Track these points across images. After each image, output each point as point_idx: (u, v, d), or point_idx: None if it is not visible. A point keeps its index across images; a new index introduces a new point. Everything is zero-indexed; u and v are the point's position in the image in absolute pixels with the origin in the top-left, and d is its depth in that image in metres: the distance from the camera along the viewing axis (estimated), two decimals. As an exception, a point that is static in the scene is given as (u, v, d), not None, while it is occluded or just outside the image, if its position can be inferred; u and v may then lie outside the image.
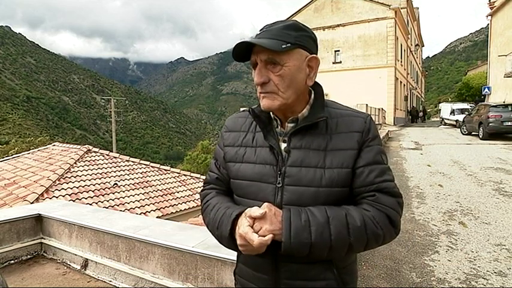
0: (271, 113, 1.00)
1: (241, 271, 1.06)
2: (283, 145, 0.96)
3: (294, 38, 0.89)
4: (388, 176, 0.93)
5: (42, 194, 7.62)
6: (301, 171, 0.91)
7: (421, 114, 33.37)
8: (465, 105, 22.12)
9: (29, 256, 3.21)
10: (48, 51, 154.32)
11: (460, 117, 18.17)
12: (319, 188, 0.89)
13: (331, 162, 0.90)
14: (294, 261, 0.92)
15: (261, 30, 0.92)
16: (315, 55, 0.94)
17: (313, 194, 0.89)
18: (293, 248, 0.82)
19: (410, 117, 31.48)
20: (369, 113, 10.85)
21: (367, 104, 15.46)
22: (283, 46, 0.86)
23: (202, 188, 1.14)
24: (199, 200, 10.98)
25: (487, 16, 21.17)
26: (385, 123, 22.94)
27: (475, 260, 3.30)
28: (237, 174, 1.00)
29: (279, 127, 0.99)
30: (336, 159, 0.90)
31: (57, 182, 8.41)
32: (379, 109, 20.32)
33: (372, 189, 0.90)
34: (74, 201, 7.52)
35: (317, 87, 1.00)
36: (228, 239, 0.91)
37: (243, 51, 0.92)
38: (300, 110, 0.96)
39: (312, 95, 0.99)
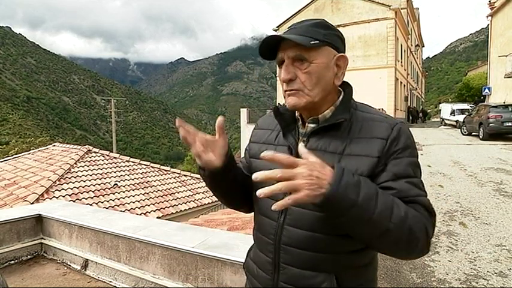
0: (296, 112, 0.99)
1: (248, 266, 1.06)
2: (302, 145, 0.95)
3: (322, 35, 0.88)
4: (422, 190, 0.86)
5: (42, 195, 7.63)
6: None
7: (420, 114, 33.37)
8: (465, 106, 22.08)
9: (29, 256, 3.21)
10: (49, 51, 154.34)
11: (460, 118, 18.14)
12: None
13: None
14: (295, 266, 0.89)
15: (288, 28, 0.91)
16: (343, 54, 0.93)
17: None
18: (336, 197, 0.72)
19: (411, 117, 31.48)
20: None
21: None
22: (312, 42, 0.85)
23: None
24: (199, 200, 10.81)
25: (487, 16, 21.18)
26: (385, 123, 22.92)
27: (475, 260, 3.30)
28: (255, 170, 1.00)
29: (302, 127, 0.98)
30: (349, 165, 0.83)
31: (58, 182, 8.42)
32: (379, 109, 20.30)
33: (406, 201, 0.81)
34: (74, 201, 7.52)
35: (347, 89, 0.97)
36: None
37: (269, 49, 0.90)
38: (325, 110, 0.94)
39: (341, 96, 0.96)
